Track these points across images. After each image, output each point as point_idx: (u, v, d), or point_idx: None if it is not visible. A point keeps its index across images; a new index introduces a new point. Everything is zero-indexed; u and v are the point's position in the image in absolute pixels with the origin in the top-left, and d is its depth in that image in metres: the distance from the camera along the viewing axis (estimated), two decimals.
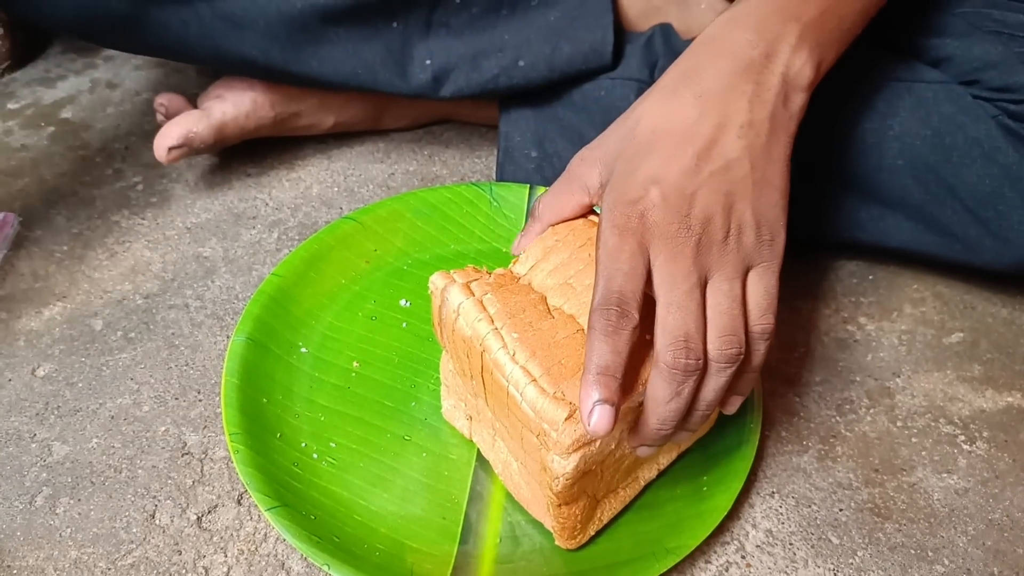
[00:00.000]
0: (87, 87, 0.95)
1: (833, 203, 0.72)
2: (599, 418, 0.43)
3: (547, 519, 0.54)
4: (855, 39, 0.60)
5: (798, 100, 0.54)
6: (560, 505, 0.51)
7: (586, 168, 0.55)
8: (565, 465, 0.47)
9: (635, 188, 0.49)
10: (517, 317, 0.50)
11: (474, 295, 0.51)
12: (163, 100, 0.81)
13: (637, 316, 0.46)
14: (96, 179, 0.83)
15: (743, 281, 0.50)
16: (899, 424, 0.66)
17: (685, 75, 0.54)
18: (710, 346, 0.47)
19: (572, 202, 0.55)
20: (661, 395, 0.47)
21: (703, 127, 0.51)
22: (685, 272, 0.47)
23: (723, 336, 0.47)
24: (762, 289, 0.50)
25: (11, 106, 0.92)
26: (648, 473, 0.58)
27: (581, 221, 0.56)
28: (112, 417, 0.63)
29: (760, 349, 0.50)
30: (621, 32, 0.78)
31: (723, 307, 0.48)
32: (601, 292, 0.46)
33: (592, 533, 0.55)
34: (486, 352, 0.49)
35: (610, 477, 0.53)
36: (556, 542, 0.55)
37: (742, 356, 0.48)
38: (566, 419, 0.46)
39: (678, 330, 0.46)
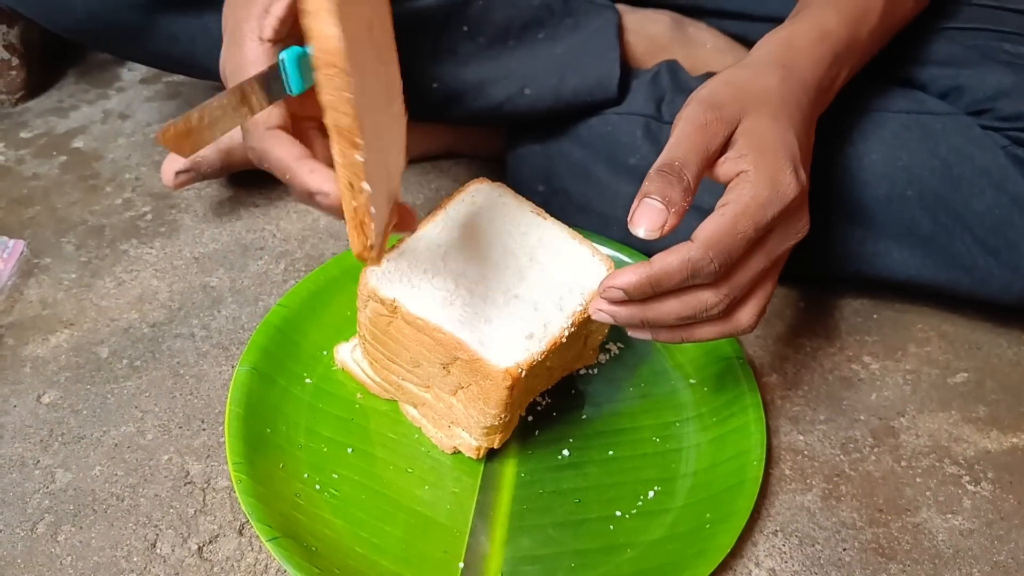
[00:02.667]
0: (99, 117, 0.96)
1: (841, 236, 0.73)
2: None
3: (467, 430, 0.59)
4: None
5: None
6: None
7: (723, 125, 0.53)
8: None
9: (795, 169, 0.52)
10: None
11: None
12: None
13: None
14: (106, 208, 0.84)
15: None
16: (904, 464, 0.66)
17: (791, 74, 0.58)
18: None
19: (717, 151, 0.53)
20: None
21: (809, 130, 0.58)
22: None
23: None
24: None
25: (24, 135, 0.93)
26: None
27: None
28: (116, 445, 0.63)
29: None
30: (627, 68, 0.79)
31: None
32: (719, 254, 0.50)
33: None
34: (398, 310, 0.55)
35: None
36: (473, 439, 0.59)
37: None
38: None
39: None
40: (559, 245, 0.60)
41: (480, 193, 0.62)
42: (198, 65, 0.75)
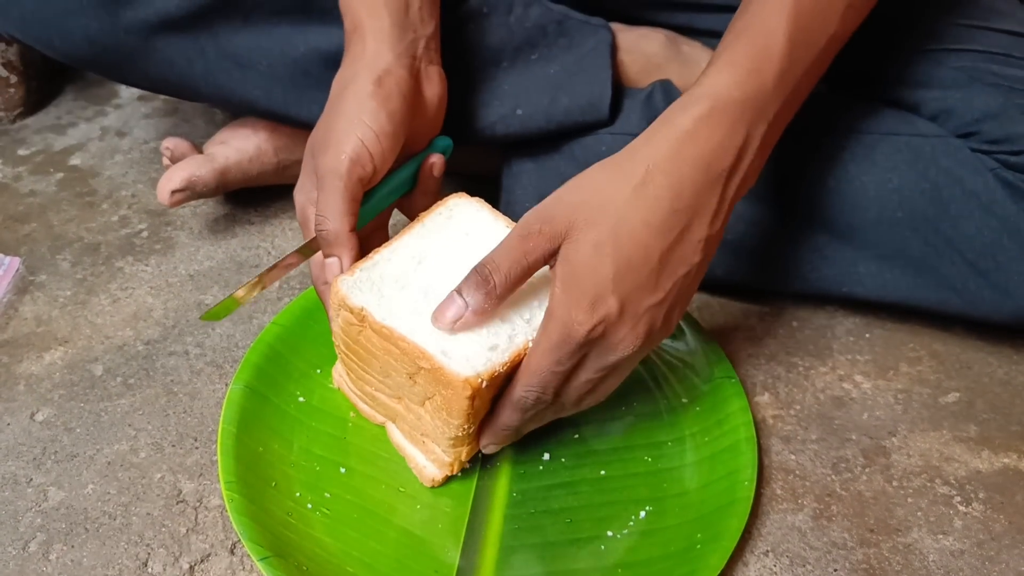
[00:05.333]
0: (97, 134, 0.96)
1: (831, 257, 0.73)
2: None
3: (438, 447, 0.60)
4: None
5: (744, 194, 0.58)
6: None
7: (544, 240, 0.53)
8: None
9: (594, 303, 0.52)
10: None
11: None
12: (169, 144, 0.83)
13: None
14: (102, 225, 0.84)
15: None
16: (895, 484, 0.66)
17: (658, 171, 0.54)
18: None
19: (536, 263, 0.54)
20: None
21: (668, 237, 0.53)
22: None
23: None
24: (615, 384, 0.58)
25: (21, 152, 0.93)
26: None
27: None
28: (109, 463, 0.63)
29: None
30: (620, 88, 0.79)
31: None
32: (533, 389, 0.54)
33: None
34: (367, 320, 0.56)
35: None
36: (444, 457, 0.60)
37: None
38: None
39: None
40: None
41: (458, 207, 0.62)
42: (195, 89, 0.75)
